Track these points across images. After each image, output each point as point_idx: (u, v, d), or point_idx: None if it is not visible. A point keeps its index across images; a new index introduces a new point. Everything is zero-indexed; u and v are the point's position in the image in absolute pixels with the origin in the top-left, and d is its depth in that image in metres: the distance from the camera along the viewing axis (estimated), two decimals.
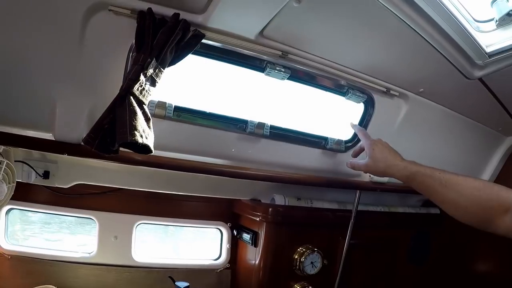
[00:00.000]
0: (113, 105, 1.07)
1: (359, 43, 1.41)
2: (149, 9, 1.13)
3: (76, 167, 1.71)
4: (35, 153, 1.67)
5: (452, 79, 1.60)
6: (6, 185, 1.51)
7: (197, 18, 1.21)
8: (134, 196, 1.91)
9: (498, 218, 1.12)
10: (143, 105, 1.11)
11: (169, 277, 1.83)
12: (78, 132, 1.29)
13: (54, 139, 1.32)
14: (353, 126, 1.67)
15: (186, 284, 1.77)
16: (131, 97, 1.07)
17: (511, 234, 1.10)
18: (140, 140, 1.03)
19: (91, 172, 1.73)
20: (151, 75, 1.12)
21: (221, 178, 1.74)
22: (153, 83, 1.14)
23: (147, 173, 1.73)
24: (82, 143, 1.18)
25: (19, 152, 1.65)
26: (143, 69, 1.09)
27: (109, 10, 1.13)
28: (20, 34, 1.13)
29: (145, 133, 1.07)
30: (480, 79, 1.61)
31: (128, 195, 1.90)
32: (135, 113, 1.05)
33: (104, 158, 1.34)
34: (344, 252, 2.00)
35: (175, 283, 1.79)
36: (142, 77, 1.08)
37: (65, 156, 1.54)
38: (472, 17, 1.38)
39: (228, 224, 2.14)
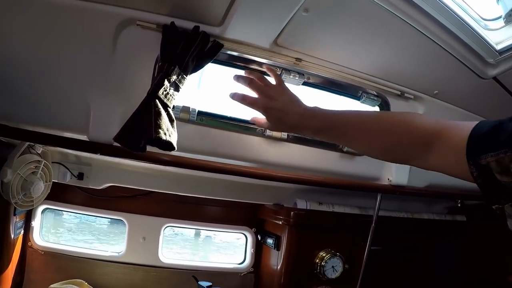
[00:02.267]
0: (141, 107, 1.25)
1: (371, 47, 1.54)
2: (172, 23, 1.32)
3: (109, 170, 1.91)
4: (71, 156, 1.90)
5: (466, 80, 1.71)
6: (44, 183, 1.74)
7: (215, 30, 1.38)
8: (162, 200, 2.11)
9: (422, 152, 1.03)
10: (168, 108, 1.28)
11: (193, 276, 1.99)
12: (111, 133, 1.43)
13: (88, 140, 1.49)
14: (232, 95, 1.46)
15: (209, 283, 1.91)
16: (157, 100, 1.25)
17: (439, 169, 1.03)
18: (164, 137, 1.20)
19: (122, 175, 1.93)
20: (174, 81, 1.29)
21: (246, 183, 1.92)
22: (176, 88, 1.31)
23: (176, 177, 1.92)
24: (115, 143, 1.36)
25: (56, 154, 1.88)
26: (167, 75, 1.27)
27: (137, 24, 1.33)
28: (59, 46, 1.34)
29: (169, 132, 1.23)
30: (495, 78, 1.71)
31: (157, 198, 2.10)
32: (159, 114, 1.23)
33: (132, 156, 1.51)
34: (365, 257, 2.10)
35: (198, 282, 1.93)
36: (166, 82, 1.26)
37: (99, 159, 1.75)
38: (480, 16, 1.49)
39: (253, 229, 2.30)
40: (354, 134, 1.19)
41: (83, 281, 1.96)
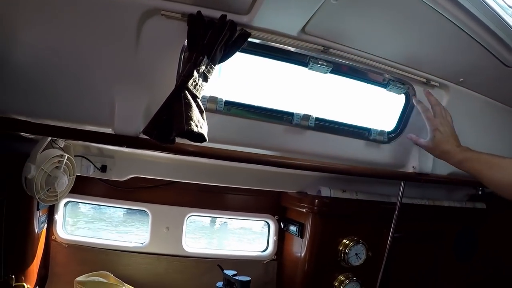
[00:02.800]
0: (170, 99, 1.22)
1: (398, 35, 1.50)
2: (199, 12, 1.28)
3: (132, 161, 1.90)
4: (93, 149, 1.89)
5: (491, 68, 1.67)
6: (67, 177, 1.72)
7: (243, 19, 1.34)
8: (185, 189, 2.11)
9: None
10: (197, 99, 1.26)
11: (218, 265, 1.98)
12: (136, 126, 1.44)
13: (113, 133, 1.47)
14: (417, 103, 1.77)
15: (234, 272, 1.91)
16: (186, 92, 1.22)
17: None
18: (195, 129, 1.18)
19: (145, 166, 1.92)
20: (203, 71, 1.26)
21: (269, 171, 1.90)
22: (205, 78, 1.28)
23: (198, 166, 1.91)
24: (141, 135, 1.37)
25: (79, 148, 1.86)
26: (196, 66, 1.24)
27: (162, 14, 1.29)
28: (83, 40, 1.32)
29: (200, 123, 1.21)
30: None
31: (180, 188, 2.10)
32: (190, 106, 1.20)
33: (159, 148, 1.50)
34: (388, 244, 2.08)
35: (223, 271, 1.93)
36: (195, 73, 1.23)
37: (121, 151, 1.73)
38: (507, 4, 1.44)
39: (276, 217, 2.29)
40: (490, 171, 1.45)
41: (108, 273, 1.97)
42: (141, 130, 1.24)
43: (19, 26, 1.27)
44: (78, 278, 1.90)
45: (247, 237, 2.42)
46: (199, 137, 1.21)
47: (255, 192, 2.18)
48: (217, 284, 1.94)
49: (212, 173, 1.98)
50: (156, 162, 1.91)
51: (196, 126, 1.18)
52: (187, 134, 1.19)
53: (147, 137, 1.24)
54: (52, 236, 2.05)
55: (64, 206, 2.08)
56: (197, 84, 1.25)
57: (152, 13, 1.29)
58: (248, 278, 1.88)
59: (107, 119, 1.45)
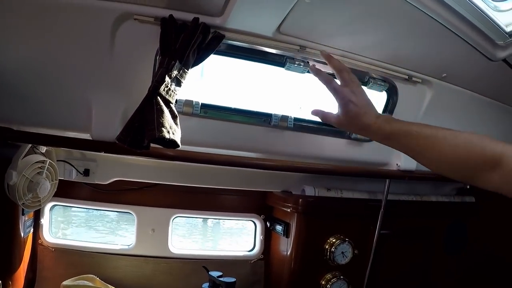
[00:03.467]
0: (142, 105, 1.22)
1: (375, 32, 1.49)
2: (171, 15, 1.27)
3: (114, 165, 1.91)
4: (76, 153, 1.89)
5: (475, 62, 1.65)
6: (50, 182, 1.73)
7: (216, 21, 1.33)
8: (170, 191, 2.11)
9: (484, 175, 1.07)
10: (170, 104, 1.25)
11: (203, 266, 1.99)
12: (113, 131, 1.43)
13: (91, 138, 1.47)
14: (316, 72, 1.43)
15: (219, 273, 1.92)
16: (158, 97, 1.21)
17: (501, 191, 1.06)
18: (167, 135, 1.17)
19: (128, 169, 1.92)
20: (175, 76, 1.26)
21: (253, 172, 1.92)
22: (178, 83, 1.28)
23: (181, 168, 1.92)
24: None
25: (61, 152, 1.87)
26: (168, 71, 1.23)
27: (135, 19, 1.28)
28: (56, 45, 1.31)
29: (172, 129, 1.21)
30: (504, 60, 1.65)
31: (165, 190, 2.10)
32: (162, 112, 1.20)
33: (136, 154, 1.49)
34: (375, 241, 2.10)
35: (209, 272, 1.93)
36: (167, 79, 1.23)
37: (103, 155, 1.74)
38: None
39: (262, 216, 2.30)
40: (424, 147, 1.19)
41: (94, 276, 1.97)
42: (115, 137, 1.23)
43: None
44: (64, 282, 1.90)
45: (237, 237, 2.43)
46: (172, 144, 1.21)
47: (241, 192, 2.19)
48: (203, 286, 1.95)
49: (196, 175, 1.98)
50: (139, 165, 1.91)
51: (168, 132, 1.18)
52: (159, 141, 1.19)
53: None
54: (39, 240, 2.06)
55: (50, 210, 2.08)
56: (169, 89, 1.24)
57: (125, 18, 1.28)
58: (233, 279, 1.89)
59: (85, 125, 1.45)
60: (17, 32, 1.27)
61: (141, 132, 1.20)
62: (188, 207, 2.18)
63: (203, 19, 1.29)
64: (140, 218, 2.09)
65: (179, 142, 1.22)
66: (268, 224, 2.25)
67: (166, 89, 1.22)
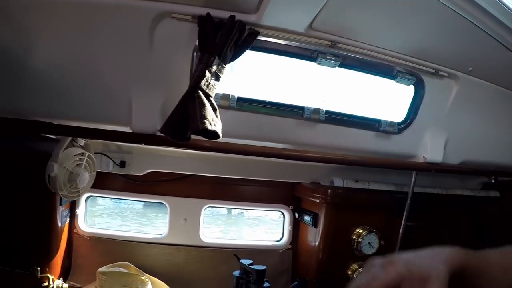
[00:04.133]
0: (184, 99, 1.32)
1: (404, 27, 1.56)
2: (208, 14, 1.36)
3: (149, 156, 2.01)
4: (112, 146, 2.00)
5: (501, 57, 1.70)
6: (88, 174, 1.83)
7: (251, 18, 1.41)
8: (202, 182, 2.21)
9: None
10: (210, 98, 1.35)
11: (234, 254, 2.07)
12: (153, 124, 1.54)
13: (131, 131, 1.57)
14: None
15: (250, 261, 1.99)
16: (199, 91, 1.32)
17: None
18: (209, 127, 1.27)
19: (162, 160, 2.03)
20: (215, 71, 1.35)
21: (283, 163, 1.98)
22: (217, 78, 1.37)
23: (213, 159, 2.01)
24: (158, 133, 1.45)
25: (98, 145, 1.98)
26: (208, 67, 1.33)
27: (172, 17, 1.38)
28: (99, 44, 1.43)
29: (213, 121, 1.31)
30: None
31: (196, 181, 2.20)
32: (203, 105, 1.30)
33: (177, 145, 1.57)
34: (401, 233, 2.15)
35: (239, 260, 2.01)
36: (207, 74, 1.33)
37: (139, 147, 1.84)
38: None
39: (290, 207, 2.38)
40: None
41: (129, 263, 2.06)
42: (158, 129, 1.33)
43: (38, 32, 1.38)
44: (100, 269, 2.00)
45: (264, 226, 2.53)
46: (213, 135, 1.31)
47: (270, 183, 2.27)
48: (234, 273, 2.03)
49: (227, 166, 2.08)
50: (173, 157, 2.02)
51: (210, 124, 1.28)
52: (201, 132, 1.29)
53: (161, 135, 1.36)
54: (74, 230, 2.18)
55: (85, 200, 2.20)
56: (209, 83, 1.33)
57: (163, 16, 1.38)
58: (263, 267, 1.96)
59: (125, 118, 1.55)
60: (59, 31, 1.38)
61: (184, 124, 1.30)
62: (218, 197, 2.27)
63: (238, 16, 1.38)
64: (173, 208, 2.20)
65: (220, 133, 1.32)
66: (297, 215, 2.33)
67: (206, 83, 1.32)
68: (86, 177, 1.81)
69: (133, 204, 2.31)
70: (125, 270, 2.03)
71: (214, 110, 1.35)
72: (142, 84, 1.52)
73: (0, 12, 1.34)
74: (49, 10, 1.32)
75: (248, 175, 2.17)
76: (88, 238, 2.17)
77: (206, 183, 2.22)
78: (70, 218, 2.15)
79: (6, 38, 1.39)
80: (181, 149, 1.87)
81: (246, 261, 2.00)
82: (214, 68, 1.34)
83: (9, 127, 1.55)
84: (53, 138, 1.77)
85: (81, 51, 1.43)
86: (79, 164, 1.77)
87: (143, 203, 2.31)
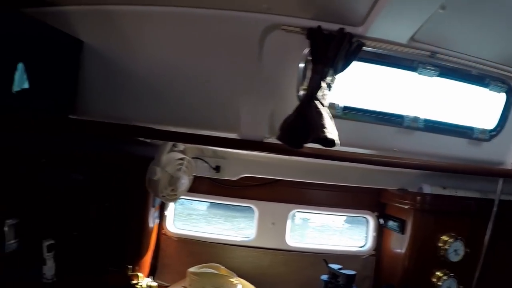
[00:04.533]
0: (302, 109, 1.40)
1: (498, 36, 1.58)
2: (319, 26, 1.43)
3: (242, 162, 2.11)
4: (208, 151, 2.10)
5: None
6: (187, 178, 1.93)
7: (357, 30, 1.48)
8: (289, 186, 2.30)
9: None
10: (325, 107, 1.41)
11: (323, 259, 2.13)
12: (261, 131, 1.62)
13: (238, 138, 1.64)
14: None
15: (339, 266, 2.06)
16: (316, 101, 1.39)
17: None
18: (329, 136, 1.35)
19: (254, 166, 2.12)
20: (328, 82, 1.42)
21: (369, 169, 2.05)
22: (329, 88, 1.44)
23: (301, 165, 2.08)
24: (265, 139, 1.58)
25: (194, 150, 2.09)
26: (323, 77, 1.41)
27: (282, 29, 1.46)
28: (208, 53, 1.52)
29: (332, 130, 1.38)
30: None
31: (284, 186, 2.29)
32: (321, 114, 1.38)
33: (282, 152, 1.66)
34: (487, 241, 2.15)
35: (328, 265, 2.08)
36: (323, 84, 1.40)
37: (233, 152, 1.91)
38: None
39: (375, 213, 2.44)
40: None
41: (219, 265, 2.17)
42: (276, 137, 1.41)
43: (146, 41, 1.50)
44: (191, 269, 2.11)
45: (327, 233, 2.62)
46: (331, 143, 1.38)
47: (355, 189, 2.32)
48: (322, 277, 2.10)
49: (314, 171, 2.14)
50: (263, 162, 2.10)
51: (330, 133, 1.35)
52: (321, 141, 1.37)
53: (270, 141, 1.50)
54: (163, 230, 2.31)
55: (174, 202, 2.32)
56: (324, 94, 1.41)
57: (273, 28, 1.46)
58: (353, 272, 2.03)
59: (233, 125, 1.63)
60: (166, 40, 1.49)
61: (304, 132, 1.37)
62: (305, 202, 2.36)
63: (345, 28, 1.44)
64: (261, 212, 2.30)
65: (337, 142, 1.39)
66: (381, 221, 2.38)
67: (321, 93, 1.40)
68: (186, 181, 1.92)
69: (223, 206, 2.42)
70: (216, 271, 2.13)
71: (330, 118, 1.42)
72: (250, 92, 1.60)
73: (108, 22, 1.48)
74: (159, 20, 1.45)
75: (334, 181, 2.23)
76: (176, 239, 2.30)
77: (293, 188, 2.31)
78: (159, 219, 2.29)
79: (113, 46, 1.52)
80: (271, 155, 1.96)
81: (334, 266, 2.06)
82: (329, 79, 1.42)
83: (114, 131, 1.64)
84: (147, 142, 1.90)
85: (188, 58, 1.53)
86: (179, 168, 1.88)
87: (230, 206, 2.41)
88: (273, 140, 1.53)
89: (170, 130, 1.64)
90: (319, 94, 1.39)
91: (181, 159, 1.89)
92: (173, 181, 1.87)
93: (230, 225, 2.47)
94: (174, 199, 1.95)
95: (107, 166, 1.87)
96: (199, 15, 1.43)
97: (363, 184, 2.26)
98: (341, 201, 2.40)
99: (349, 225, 2.72)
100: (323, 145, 1.39)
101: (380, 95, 1.81)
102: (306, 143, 1.39)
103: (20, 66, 1.29)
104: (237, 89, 1.60)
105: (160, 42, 1.50)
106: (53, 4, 1.50)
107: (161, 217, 2.31)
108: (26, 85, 1.32)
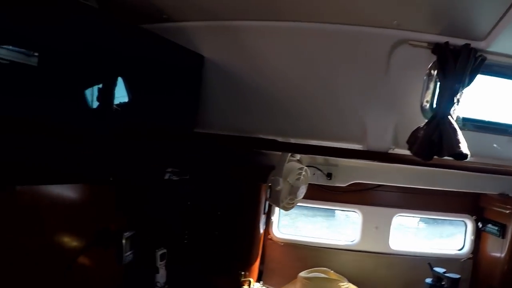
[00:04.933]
0: (437, 124, 1.49)
1: None
2: (447, 42, 1.51)
3: (352, 169, 2.22)
4: (319, 159, 2.22)
5: None
6: (305, 186, 2.07)
7: (480, 45, 1.53)
8: (391, 191, 2.41)
9: None
10: (456, 122, 1.52)
11: (428, 263, 2.24)
12: (386, 143, 1.72)
13: (364, 149, 1.76)
14: None
15: (443, 269, 2.17)
16: (449, 117, 1.49)
17: None
18: (464, 151, 1.45)
19: (363, 172, 2.23)
20: (458, 97, 1.52)
21: (470, 174, 2.09)
22: (458, 102, 1.54)
23: (405, 170, 2.16)
24: (390, 150, 1.70)
25: (307, 159, 2.21)
26: (454, 94, 1.50)
27: (409, 44, 1.54)
28: (334, 67, 1.62)
29: (465, 145, 1.47)
30: None
31: (387, 191, 2.41)
32: (456, 130, 1.48)
33: (405, 162, 1.76)
34: None
35: (433, 268, 2.20)
36: (455, 99, 1.50)
37: (344, 160, 2.04)
38: None
39: (474, 217, 2.50)
40: None
41: (328, 269, 2.31)
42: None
43: (268, 55, 1.62)
44: (301, 274, 2.25)
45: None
46: (464, 157, 1.47)
47: (454, 193, 2.38)
48: (426, 281, 2.20)
49: (416, 177, 2.22)
50: (372, 169, 2.22)
51: (465, 147, 1.46)
52: (456, 155, 1.47)
53: (395, 152, 1.63)
54: (268, 236, 2.46)
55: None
56: (454, 109, 1.53)
57: (401, 42, 1.55)
58: (458, 276, 2.11)
59: (359, 137, 1.74)
60: (293, 56, 1.60)
61: (438, 146, 1.48)
62: (406, 206, 2.46)
63: (466, 43, 1.51)
64: (365, 216, 2.42)
65: (469, 155, 1.48)
66: (480, 225, 2.45)
67: (453, 109, 1.50)
68: (304, 190, 2.06)
69: (326, 211, 2.58)
70: (326, 276, 2.27)
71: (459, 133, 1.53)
72: (376, 105, 1.69)
73: (228, 37, 1.60)
74: (286, 35, 1.56)
75: (435, 186, 2.30)
76: (282, 243, 2.45)
77: (395, 193, 2.42)
78: (265, 225, 2.43)
79: (233, 61, 1.66)
80: (378, 162, 2.05)
81: (439, 269, 2.17)
82: (459, 95, 1.50)
83: (238, 144, 1.79)
84: (260, 151, 2.02)
85: (317, 72, 1.63)
86: (298, 178, 2.01)
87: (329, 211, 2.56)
88: (395, 150, 1.66)
89: (295, 142, 1.80)
90: (452, 110, 1.49)
91: (300, 168, 2.01)
92: (293, 190, 1.99)
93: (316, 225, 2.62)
94: (292, 207, 2.08)
95: (223, 176, 2.03)
96: (327, 31, 1.53)
97: (464, 189, 2.32)
98: (439, 205, 2.49)
99: (426, 225, 2.84)
100: (455, 158, 1.48)
101: (495, 106, 1.89)
102: (440, 156, 1.49)
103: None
104: (363, 101, 1.70)
105: (283, 57, 1.62)
106: (169, 20, 1.64)
107: (268, 223, 2.45)
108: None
